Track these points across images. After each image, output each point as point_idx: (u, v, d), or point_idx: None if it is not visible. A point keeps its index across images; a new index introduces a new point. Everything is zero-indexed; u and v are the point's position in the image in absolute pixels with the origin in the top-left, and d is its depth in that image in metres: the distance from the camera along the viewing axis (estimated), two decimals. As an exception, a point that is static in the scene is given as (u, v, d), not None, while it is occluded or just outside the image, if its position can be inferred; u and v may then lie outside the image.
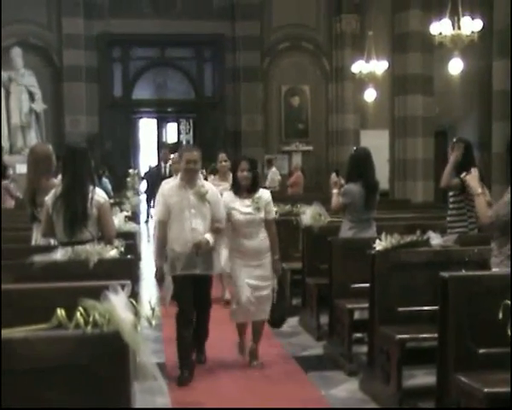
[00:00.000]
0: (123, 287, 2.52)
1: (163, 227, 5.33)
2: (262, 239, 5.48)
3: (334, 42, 18.72)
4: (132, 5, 17.75)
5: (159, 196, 6.85)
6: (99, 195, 4.84)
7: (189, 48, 18.90)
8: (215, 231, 5.32)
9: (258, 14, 18.32)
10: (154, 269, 5.43)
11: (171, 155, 8.31)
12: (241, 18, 18.16)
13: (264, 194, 5.58)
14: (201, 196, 5.27)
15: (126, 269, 4.33)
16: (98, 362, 2.34)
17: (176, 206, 5.25)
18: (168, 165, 11.72)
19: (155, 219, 5.66)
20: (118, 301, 2.40)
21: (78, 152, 5.00)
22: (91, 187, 4.82)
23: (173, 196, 5.29)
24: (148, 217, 16.52)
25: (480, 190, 4.57)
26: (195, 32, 17.73)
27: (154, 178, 11.53)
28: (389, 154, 14.47)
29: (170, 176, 8.70)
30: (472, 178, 4.71)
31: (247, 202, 5.45)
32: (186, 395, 4.94)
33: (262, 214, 5.45)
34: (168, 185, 5.46)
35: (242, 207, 5.44)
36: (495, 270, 4.28)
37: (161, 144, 21.01)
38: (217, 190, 5.56)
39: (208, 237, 5.24)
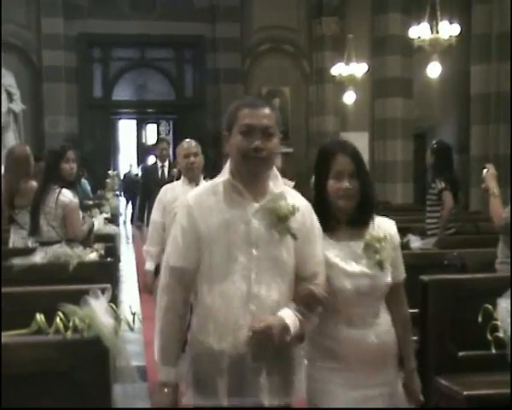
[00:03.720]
0: (103, 291, 2.51)
1: (182, 287, 2.44)
2: (384, 328, 2.67)
3: (315, 44, 18.72)
4: (112, 6, 17.61)
5: (165, 210, 4.79)
6: (64, 195, 4.81)
7: (170, 49, 18.80)
8: (306, 298, 2.40)
9: (239, 16, 18.29)
10: (158, 384, 2.43)
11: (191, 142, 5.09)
12: (221, 19, 18.10)
13: (388, 226, 2.74)
14: (280, 220, 2.38)
15: (106, 272, 4.32)
16: (78, 367, 2.33)
17: (218, 237, 2.39)
18: (165, 163, 8.61)
19: (163, 266, 2.53)
20: (98, 305, 2.39)
21: (45, 154, 5.10)
22: (57, 188, 4.80)
23: (212, 212, 2.42)
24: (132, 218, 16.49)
25: (496, 191, 4.29)
26: (176, 33, 17.65)
27: (148, 182, 8.55)
28: (369, 156, 14.54)
29: (170, 180, 7.07)
30: (490, 176, 4.35)
31: (356, 247, 2.64)
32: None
33: (388, 276, 2.65)
34: (200, 190, 2.55)
35: (347, 262, 2.62)
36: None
37: (141, 145, 20.96)
38: (311, 208, 2.55)
39: (288, 316, 2.34)
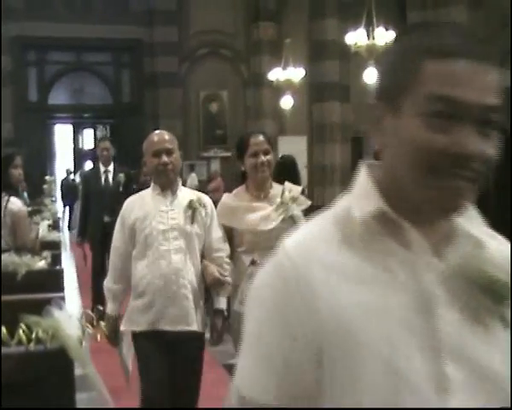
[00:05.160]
0: (64, 300, 2.51)
1: None
2: None
3: (252, 49, 18.86)
4: (48, 8, 17.33)
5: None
6: (13, 203, 4.76)
7: (107, 53, 18.63)
8: None
9: (176, 20, 18.26)
10: None
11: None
12: (158, 23, 18.03)
13: None
14: (495, 299, 0.99)
15: (56, 280, 4.26)
16: (42, 379, 2.32)
17: (364, 339, 0.95)
18: (109, 168, 7.55)
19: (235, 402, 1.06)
20: (61, 316, 2.38)
21: None
22: (5, 195, 4.74)
23: (347, 280, 0.99)
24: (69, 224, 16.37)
25: None
26: (113, 36, 17.51)
27: (89, 191, 7.53)
28: (307, 160, 14.71)
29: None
30: None
31: None
32: (132, 404, 4.87)
33: None
34: (313, 232, 1.08)
35: None
36: None
37: (77, 151, 20.64)
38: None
39: None
